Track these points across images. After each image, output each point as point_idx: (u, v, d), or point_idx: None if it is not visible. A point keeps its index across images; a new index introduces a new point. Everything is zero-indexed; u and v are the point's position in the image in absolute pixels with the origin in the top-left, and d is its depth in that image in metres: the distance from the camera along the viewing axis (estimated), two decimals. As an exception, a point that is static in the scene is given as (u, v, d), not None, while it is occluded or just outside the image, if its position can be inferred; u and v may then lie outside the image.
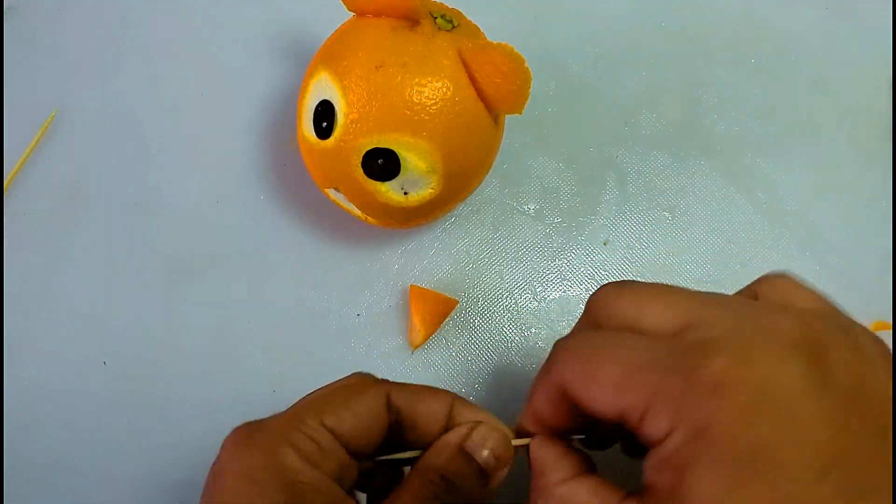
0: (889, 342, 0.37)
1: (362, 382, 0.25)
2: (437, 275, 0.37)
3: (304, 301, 0.37)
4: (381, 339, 0.36)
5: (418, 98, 0.29)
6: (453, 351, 0.36)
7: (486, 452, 0.25)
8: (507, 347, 0.36)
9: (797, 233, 0.39)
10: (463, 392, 0.36)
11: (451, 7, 0.33)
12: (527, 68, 0.30)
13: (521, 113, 0.31)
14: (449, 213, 0.38)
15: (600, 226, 0.38)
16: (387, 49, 0.30)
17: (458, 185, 0.33)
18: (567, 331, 0.36)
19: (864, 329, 0.22)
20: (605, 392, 0.21)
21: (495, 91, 0.30)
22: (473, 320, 0.37)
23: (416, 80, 0.29)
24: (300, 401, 0.25)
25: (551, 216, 0.38)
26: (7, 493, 0.34)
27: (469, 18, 0.33)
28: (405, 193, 0.31)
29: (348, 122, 0.30)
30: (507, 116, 0.34)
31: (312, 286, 0.37)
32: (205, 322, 0.37)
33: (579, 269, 0.38)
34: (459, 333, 0.37)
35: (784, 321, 0.20)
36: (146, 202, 0.39)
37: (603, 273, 0.38)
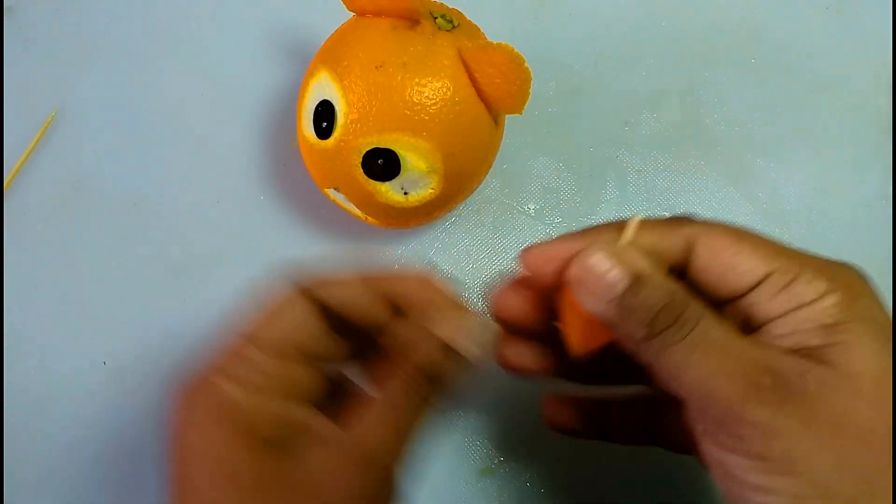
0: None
1: (284, 295, 0.24)
2: (437, 275, 0.37)
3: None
4: (381, 338, 0.36)
5: (418, 98, 0.29)
6: (453, 351, 0.36)
7: (474, 347, 0.24)
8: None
9: (797, 233, 0.39)
10: (463, 392, 0.36)
11: (451, 7, 0.33)
12: (527, 68, 0.29)
13: (520, 113, 0.31)
14: (449, 213, 0.38)
15: (600, 226, 0.38)
16: (387, 49, 0.30)
17: (458, 186, 0.32)
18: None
19: None
20: (755, 255, 0.23)
21: (495, 91, 0.30)
22: (473, 320, 0.37)
23: (417, 80, 0.29)
24: (234, 331, 0.24)
25: (551, 216, 0.38)
26: (7, 492, 0.34)
27: (469, 18, 0.33)
28: (405, 193, 0.31)
29: (348, 122, 0.30)
30: (507, 116, 0.34)
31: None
32: (205, 322, 0.37)
33: (579, 269, 0.38)
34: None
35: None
36: (146, 202, 0.39)
37: (603, 273, 0.38)
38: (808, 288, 0.22)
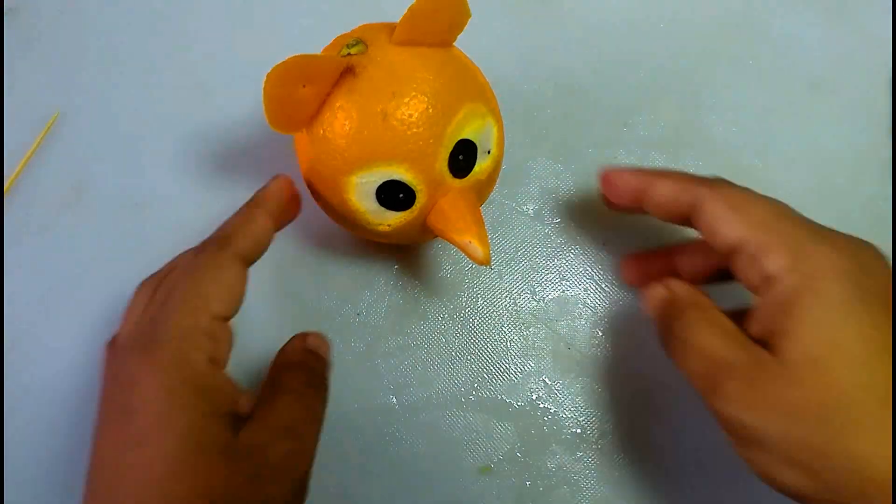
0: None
1: (209, 254, 0.27)
2: (438, 275, 0.37)
3: (304, 300, 0.37)
4: (381, 338, 0.37)
5: (411, 113, 0.28)
6: (453, 351, 0.36)
7: (323, 350, 0.30)
8: (506, 347, 0.36)
9: (797, 233, 0.39)
10: (463, 391, 0.36)
11: (356, 29, 0.31)
12: None
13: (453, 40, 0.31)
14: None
15: (600, 226, 0.38)
16: (360, 101, 0.28)
17: (499, 159, 0.32)
18: (565, 331, 0.36)
19: None
20: (735, 222, 0.26)
21: (432, 25, 0.29)
22: (473, 320, 0.37)
23: (408, 88, 0.28)
24: (177, 290, 0.25)
25: (550, 216, 0.39)
26: (7, 492, 0.35)
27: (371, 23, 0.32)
28: (488, 152, 0.31)
29: (417, 163, 0.28)
30: (506, 120, 0.34)
31: (312, 286, 0.37)
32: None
33: (578, 269, 0.38)
34: (459, 333, 0.37)
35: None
36: (147, 203, 0.39)
37: (602, 273, 0.38)
38: (772, 263, 0.25)
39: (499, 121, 0.32)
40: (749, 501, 0.34)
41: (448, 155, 0.29)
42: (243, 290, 0.27)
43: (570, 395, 0.36)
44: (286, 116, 0.28)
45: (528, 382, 0.36)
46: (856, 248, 0.25)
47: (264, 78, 0.26)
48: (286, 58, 0.26)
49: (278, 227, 0.30)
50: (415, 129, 0.28)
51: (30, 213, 0.38)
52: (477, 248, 0.28)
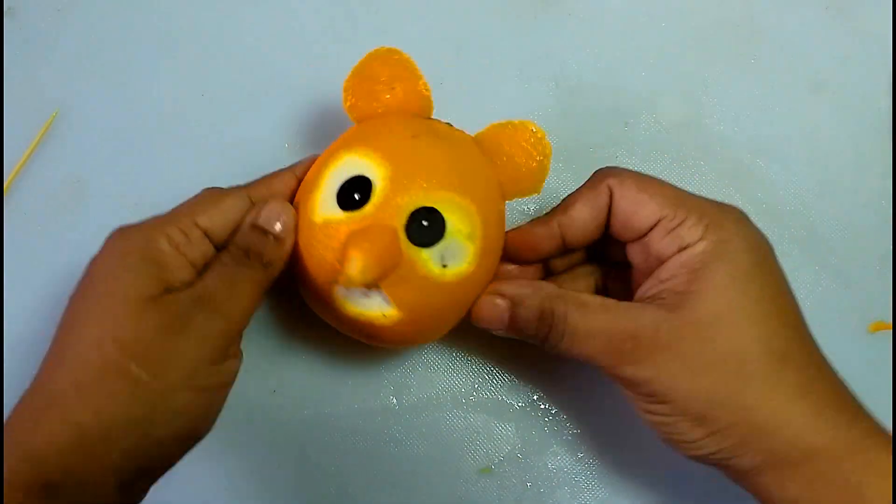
0: (889, 342, 0.37)
1: (225, 189, 0.31)
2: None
3: (304, 301, 0.37)
4: (381, 339, 0.36)
5: (461, 165, 0.29)
6: (454, 352, 0.36)
7: (277, 225, 0.29)
8: (508, 347, 0.36)
9: (797, 233, 0.39)
10: (463, 392, 0.36)
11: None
12: (548, 143, 0.31)
13: (538, 192, 0.32)
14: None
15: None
16: (415, 126, 0.30)
17: (485, 267, 0.30)
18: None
19: None
20: (652, 201, 0.28)
21: (515, 171, 0.31)
22: (473, 320, 0.37)
23: (455, 149, 0.30)
24: (179, 205, 0.29)
25: (551, 216, 0.38)
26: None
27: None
28: (444, 266, 0.28)
29: (390, 184, 0.28)
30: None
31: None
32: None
33: (579, 269, 0.38)
34: (459, 334, 0.37)
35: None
36: (147, 202, 0.38)
37: (603, 273, 0.38)
38: (689, 233, 0.27)
39: (479, 238, 0.29)
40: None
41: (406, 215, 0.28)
42: (238, 219, 0.29)
43: (571, 395, 0.36)
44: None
45: (528, 383, 0.36)
46: (745, 218, 0.29)
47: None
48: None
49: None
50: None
51: (29, 210, 0.38)
52: (354, 263, 0.26)
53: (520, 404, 0.36)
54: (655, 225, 0.28)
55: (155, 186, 0.39)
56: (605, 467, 0.35)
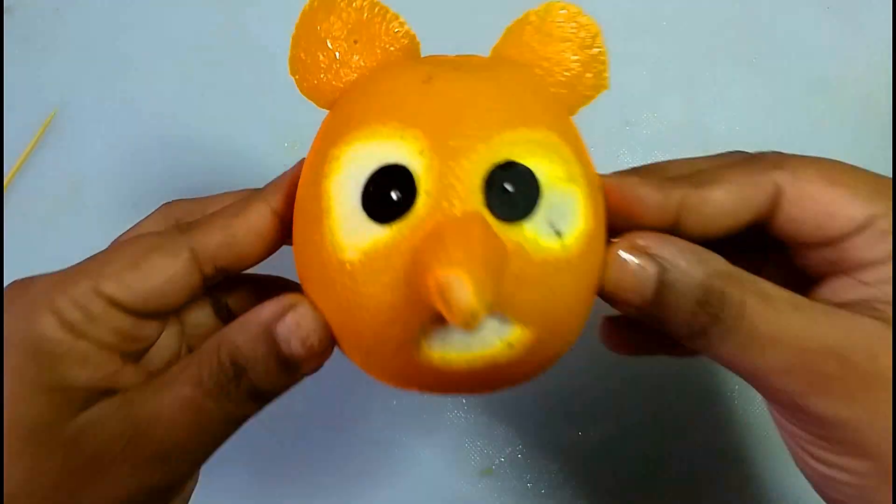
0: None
1: (160, 234, 0.21)
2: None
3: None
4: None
5: (506, 90, 0.21)
6: (454, 351, 0.36)
7: (294, 343, 0.19)
8: (507, 347, 0.36)
9: (798, 233, 0.39)
10: (464, 397, 0.36)
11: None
12: (590, 19, 0.24)
13: (607, 86, 0.24)
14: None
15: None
16: (419, 68, 0.21)
17: (602, 216, 0.21)
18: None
19: None
20: (855, 200, 0.20)
21: (567, 73, 0.23)
22: (474, 320, 0.37)
23: (485, 75, 0.21)
24: (88, 258, 0.21)
25: (552, 216, 0.38)
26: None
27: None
28: (559, 234, 0.19)
29: (434, 154, 0.18)
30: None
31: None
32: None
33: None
34: (460, 333, 0.37)
35: None
36: (146, 202, 0.38)
37: (603, 273, 0.38)
38: None
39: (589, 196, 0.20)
40: None
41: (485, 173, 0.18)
42: (173, 284, 0.20)
43: (572, 395, 0.36)
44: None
45: (530, 382, 0.36)
46: None
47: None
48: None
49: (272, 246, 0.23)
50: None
51: (28, 209, 0.38)
52: (463, 288, 0.15)
53: (521, 404, 0.36)
54: (863, 227, 0.20)
55: (154, 187, 0.39)
56: (608, 469, 0.35)
